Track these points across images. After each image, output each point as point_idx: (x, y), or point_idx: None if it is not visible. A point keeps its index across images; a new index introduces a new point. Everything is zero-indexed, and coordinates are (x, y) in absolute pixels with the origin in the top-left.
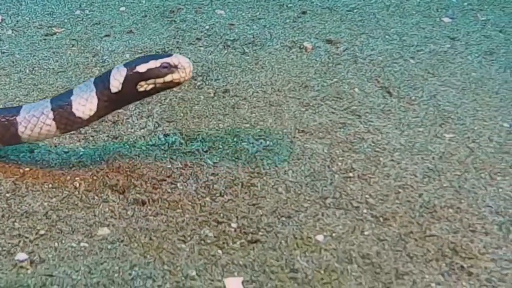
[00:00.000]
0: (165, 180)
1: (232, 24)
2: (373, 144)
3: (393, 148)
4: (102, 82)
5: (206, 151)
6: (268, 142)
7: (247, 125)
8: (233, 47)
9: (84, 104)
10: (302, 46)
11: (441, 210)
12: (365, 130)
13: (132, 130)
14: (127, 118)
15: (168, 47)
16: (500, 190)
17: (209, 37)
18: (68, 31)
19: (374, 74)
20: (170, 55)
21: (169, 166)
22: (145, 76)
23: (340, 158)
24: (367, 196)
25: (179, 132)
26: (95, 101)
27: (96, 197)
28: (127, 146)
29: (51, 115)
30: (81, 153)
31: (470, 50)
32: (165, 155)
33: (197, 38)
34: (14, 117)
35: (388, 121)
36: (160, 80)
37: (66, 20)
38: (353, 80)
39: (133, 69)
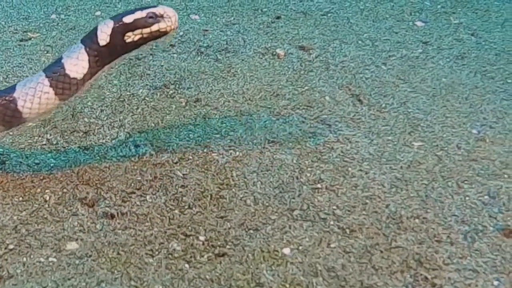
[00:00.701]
0: (134, 193)
1: (206, 30)
2: (342, 154)
3: (362, 158)
4: (89, 38)
5: (176, 162)
6: (238, 153)
7: (218, 136)
8: (206, 54)
9: (76, 63)
10: (274, 53)
11: (407, 221)
12: (334, 139)
13: (104, 141)
14: (99, 128)
15: (141, 54)
16: (467, 198)
17: (183, 44)
18: (43, 36)
19: (345, 81)
20: (155, 6)
21: (139, 178)
22: (132, 27)
23: (309, 169)
24: (334, 207)
25: (150, 143)
26: (85, 57)
27: (65, 210)
28: (98, 158)
29: (46, 82)
30: (52, 164)
31: (442, 55)
32: (135, 167)
33: (171, 45)
34: (11, 94)
35: (358, 130)
36: (147, 30)
37: (41, 25)
38: (324, 88)
39: (120, 21)
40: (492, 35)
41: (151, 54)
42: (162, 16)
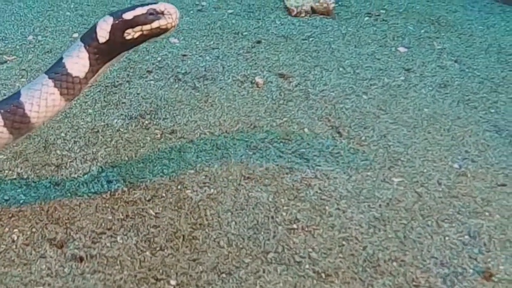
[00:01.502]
0: (105, 233)
1: (185, 55)
2: (319, 191)
3: (339, 196)
4: (89, 35)
5: (148, 200)
6: (212, 190)
7: (192, 171)
8: (184, 81)
9: (77, 61)
10: (253, 81)
11: (385, 264)
12: (312, 175)
13: (75, 176)
14: (71, 161)
15: (117, 81)
16: (447, 238)
17: (160, 70)
18: (19, 59)
19: (325, 112)
20: (156, 2)
21: (110, 217)
22: (132, 23)
23: (285, 208)
24: (310, 250)
25: (123, 178)
26: (86, 55)
27: (33, 252)
28: (69, 194)
29: (51, 83)
30: (21, 201)
31: (424, 83)
32: (107, 205)
33: (148, 71)
34: (17, 99)
35: (337, 164)
36: (147, 27)
37: (18, 47)
38: (303, 119)
39: (120, 17)
40: (476, 61)
41: (127, 81)
42: (162, 13)
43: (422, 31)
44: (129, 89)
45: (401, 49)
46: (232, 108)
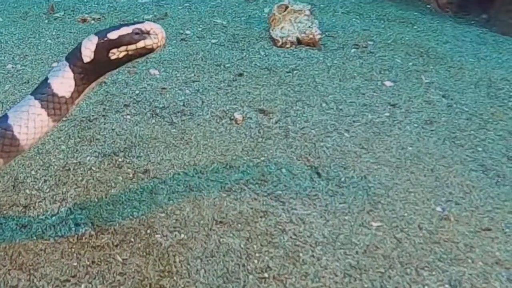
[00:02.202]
0: (69, 281)
1: (164, 88)
2: (294, 237)
3: (315, 242)
4: (73, 55)
5: (116, 245)
6: (182, 235)
7: (163, 214)
8: (161, 116)
9: (62, 81)
10: (232, 117)
11: None
12: (287, 219)
13: (43, 217)
14: (40, 201)
15: (93, 115)
16: (426, 287)
17: (138, 104)
18: None
19: (304, 151)
20: (142, 22)
21: (76, 263)
22: (116, 43)
23: (257, 255)
24: None
25: (91, 221)
26: (70, 75)
27: None
28: (35, 238)
29: (37, 103)
30: None
31: (410, 119)
32: (73, 250)
33: (125, 105)
34: (5, 122)
35: (314, 208)
36: (132, 47)
37: None
38: (282, 158)
39: (104, 37)
40: (465, 96)
41: (103, 115)
42: (148, 33)
43: (410, 63)
44: (104, 124)
45: (388, 83)
46: (208, 147)
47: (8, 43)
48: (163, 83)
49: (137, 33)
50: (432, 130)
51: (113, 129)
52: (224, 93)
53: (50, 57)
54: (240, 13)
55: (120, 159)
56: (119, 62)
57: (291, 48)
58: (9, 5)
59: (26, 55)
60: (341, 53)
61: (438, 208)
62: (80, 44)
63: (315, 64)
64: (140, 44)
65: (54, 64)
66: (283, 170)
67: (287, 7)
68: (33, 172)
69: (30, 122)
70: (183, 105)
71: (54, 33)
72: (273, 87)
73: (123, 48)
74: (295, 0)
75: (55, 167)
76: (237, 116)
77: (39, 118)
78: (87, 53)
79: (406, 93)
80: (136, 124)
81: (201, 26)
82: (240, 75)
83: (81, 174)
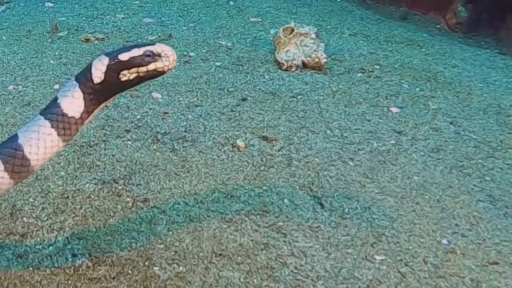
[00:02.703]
0: None
1: (166, 113)
2: (295, 271)
3: (316, 276)
4: (83, 75)
5: (113, 278)
6: (181, 268)
7: (162, 246)
8: (162, 142)
9: (72, 102)
10: (235, 144)
11: None
12: (288, 252)
13: (40, 247)
14: (37, 230)
15: (93, 140)
16: None
17: (139, 129)
18: None
19: (307, 180)
20: (153, 44)
21: None
22: (128, 65)
23: None
24: None
25: (88, 252)
26: (80, 95)
27: None
28: (31, 268)
29: (47, 124)
30: None
31: (416, 147)
32: (69, 281)
33: (126, 130)
34: (16, 142)
35: (316, 240)
36: (143, 69)
37: None
38: (284, 188)
39: (115, 58)
40: (473, 123)
41: (104, 141)
42: (159, 55)
43: (417, 89)
44: (105, 150)
45: (394, 109)
46: (209, 175)
47: (10, 63)
48: (166, 107)
49: (148, 55)
50: (439, 159)
51: (113, 155)
52: (227, 119)
53: (52, 78)
54: (245, 35)
55: (119, 187)
56: (130, 84)
57: (296, 72)
58: (13, 22)
59: (28, 76)
60: (347, 77)
61: (444, 241)
62: (90, 64)
63: (320, 89)
64: (151, 66)
65: (56, 86)
66: (285, 200)
67: (292, 30)
68: (31, 200)
69: (41, 142)
70: (185, 130)
71: (57, 53)
72: (277, 113)
73: (134, 70)
74: (300, 23)
75: (54, 194)
76: (240, 143)
77: (49, 138)
78: (98, 74)
79: (412, 120)
80: (137, 150)
81: (205, 48)
82: (244, 99)
83: (80, 202)
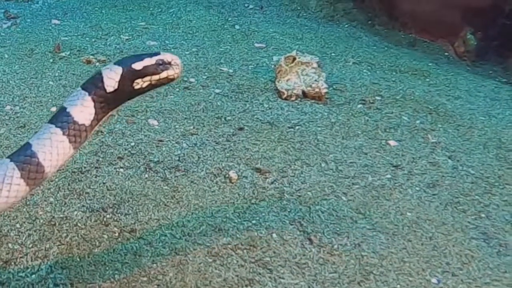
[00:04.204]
0: None
1: (161, 141)
2: None
3: None
4: (93, 84)
5: None
6: None
7: (145, 279)
8: (155, 171)
9: (82, 110)
10: (227, 175)
11: None
12: None
13: (23, 275)
14: (22, 257)
15: (85, 167)
16: None
17: (132, 156)
18: None
19: (298, 215)
20: (158, 53)
21: None
22: (141, 74)
23: None
24: None
25: (70, 282)
26: (91, 104)
27: None
28: None
29: (59, 131)
30: None
31: (412, 182)
32: None
33: (119, 157)
34: (30, 149)
35: (302, 277)
36: (156, 77)
37: None
38: (274, 222)
39: (130, 67)
40: (472, 157)
41: (96, 167)
42: (170, 63)
43: (418, 121)
44: (96, 177)
45: (392, 142)
46: (199, 207)
47: (9, 82)
48: (161, 135)
49: (160, 64)
50: (434, 194)
51: (104, 183)
52: (222, 149)
53: (50, 100)
54: (248, 61)
55: (108, 216)
56: (142, 91)
57: (296, 101)
58: (17, 40)
59: (26, 97)
60: (347, 108)
61: (434, 280)
62: (99, 74)
63: (319, 119)
64: (163, 74)
65: (53, 109)
66: (274, 235)
67: (294, 59)
68: (18, 225)
69: (54, 149)
70: (179, 160)
71: (57, 74)
72: (273, 144)
73: (147, 78)
74: (305, 49)
75: (41, 220)
76: (232, 174)
77: (61, 145)
78: (111, 83)
79: (410, 153)
80: (128, 178)
81: (206, 73)
82: (240, 129)
83: (66, 230)
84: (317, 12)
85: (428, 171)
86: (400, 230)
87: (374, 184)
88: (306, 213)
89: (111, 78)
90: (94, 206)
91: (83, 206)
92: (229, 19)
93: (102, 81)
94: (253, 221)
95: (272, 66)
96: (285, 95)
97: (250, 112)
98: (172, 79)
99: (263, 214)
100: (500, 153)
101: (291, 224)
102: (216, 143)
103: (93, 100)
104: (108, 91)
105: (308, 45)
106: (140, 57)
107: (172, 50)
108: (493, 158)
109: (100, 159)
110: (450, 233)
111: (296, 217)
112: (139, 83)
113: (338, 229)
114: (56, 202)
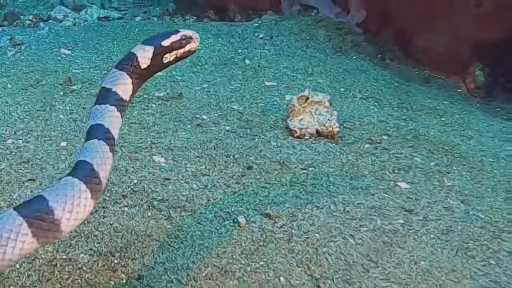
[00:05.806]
0: None
1: (168, 179)
2: None
3: None
4: (128, 64)
5: None
6: None
7: None
8: (158, 209)
9: (125, 88)
10: (236, 220)
11: None
12: None
13: None
14: None
15: (94, 207)
16: None
17: (135, 194)
18: None
19: (306, 257)
20: (178, 31)
21: None
22: (169, 49)
23: None
24: None
25: None
26: (129, 81)
27: None
28: None
29: (114, 108)
30: None
31: (427, 229)
32: None
33: (123, 195)
34: (103, 127)
35: None
36: (181, 51)
37: None
38: (281, 265)
39: (160, 45)
40: (482, 201)
41: (103, 207)
42: (191, 38)
43: (432, 163)
44: (103, 218)
45: (402, 184)
46: (204, 247)
47: (12, 114)
48: (168, 173)
49: (183, 39)
50: (447, 241)
51: (111, 224)
52: (232, 192)
53: (60, 134)
54: (258, 100)
55: (116, 260)
56: (169, 64)
57: (310, 140)
58: (20, 69)
59: (31, 130)
60: (355, 147)
61: None
62: (132, 54)
63: (331, 160)
64: (187, 47)
65: (63, 144)
66: (281, 278)
67: (307, 98)
68: (17, 265)
69: (116, 125)
70: (186, 200)
71: (68, 108)
72: (284, 188)
73: (174, 52)
74: (316, 85)
75: (41, 260)
76: (241, 219)
77: (117, 120)
78: (145, 61)
79: (425, 198)
80: (132, 218)
81: (218, 111)
82: (249, 168)
83: (68, 272)
84: (325, 42)
85: (443, 216)
86: (413, 279)
87: (385, 229)
88: (314, 255)
89: (145, 56)
90: (102, 250)
91: (91, 249)
92: (239, 50)
93: (137, 60)
94: (261, 263)
95: (285, 105)
96: (297, 134)
97: (258, 148)
98: (193, 52)
99: (271, 256)
100: (509, 196)
101: (299, 267)
102: (227, 186)
103: (131, 77)
104: (142, 67)
105: (318, 81)
106: (166, 35)
107: (180, 83)
108: (502, 201)
109: (106, 198)
110: (459, 280)
111: (304, 260)
112: (167, 58)
113: (348, 277)
114: (60, 243)
